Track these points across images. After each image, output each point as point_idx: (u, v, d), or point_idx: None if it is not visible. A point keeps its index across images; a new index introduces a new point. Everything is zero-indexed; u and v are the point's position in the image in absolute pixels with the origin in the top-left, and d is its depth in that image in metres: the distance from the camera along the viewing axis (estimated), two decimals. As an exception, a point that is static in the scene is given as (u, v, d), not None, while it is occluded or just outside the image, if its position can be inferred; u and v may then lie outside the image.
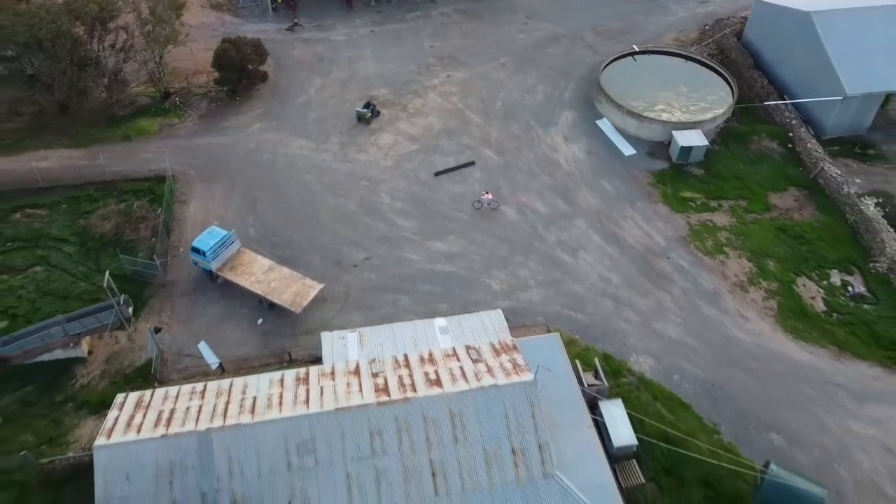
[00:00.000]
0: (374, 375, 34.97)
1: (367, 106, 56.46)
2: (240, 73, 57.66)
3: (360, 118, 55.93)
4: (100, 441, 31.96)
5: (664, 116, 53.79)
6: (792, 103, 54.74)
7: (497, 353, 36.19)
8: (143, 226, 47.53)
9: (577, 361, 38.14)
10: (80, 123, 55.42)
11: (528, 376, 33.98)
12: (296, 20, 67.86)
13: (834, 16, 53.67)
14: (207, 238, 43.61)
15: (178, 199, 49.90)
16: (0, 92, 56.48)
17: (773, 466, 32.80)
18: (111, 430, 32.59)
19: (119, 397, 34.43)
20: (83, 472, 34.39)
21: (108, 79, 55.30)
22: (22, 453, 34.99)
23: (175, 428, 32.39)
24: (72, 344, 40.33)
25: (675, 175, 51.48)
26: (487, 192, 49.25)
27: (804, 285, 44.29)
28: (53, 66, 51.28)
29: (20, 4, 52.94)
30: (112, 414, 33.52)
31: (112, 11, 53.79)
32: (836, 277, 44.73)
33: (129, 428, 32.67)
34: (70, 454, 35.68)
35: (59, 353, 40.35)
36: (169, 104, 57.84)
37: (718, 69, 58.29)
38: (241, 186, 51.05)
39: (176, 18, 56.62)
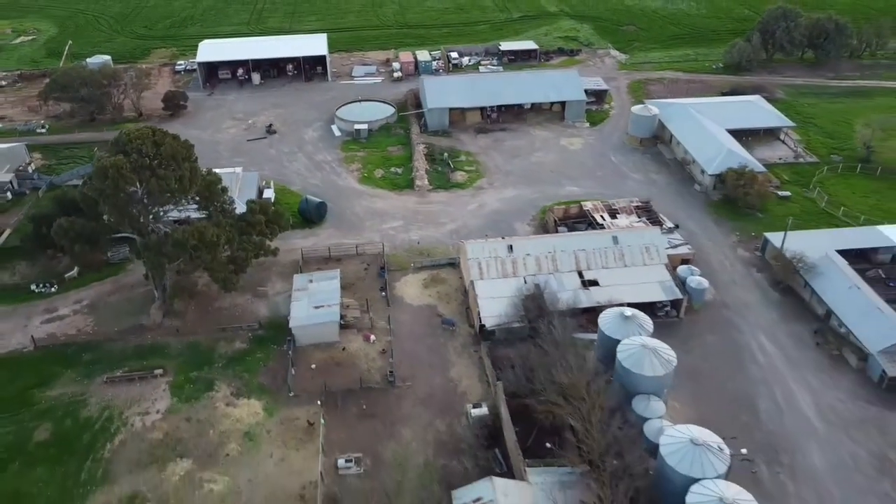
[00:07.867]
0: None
1: (269, 125, 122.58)
2: (175, 106, 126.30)
3: (268, 130, 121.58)
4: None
5: (354, 119, 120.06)
6: (414, 113, 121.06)
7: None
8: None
9: (270, 182, 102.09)
10: (99, 124, 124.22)
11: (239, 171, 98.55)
12: (212, 91, 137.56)
13: (433, 79, 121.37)
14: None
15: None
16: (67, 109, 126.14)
17: (307, 196, 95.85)
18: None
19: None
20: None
21: (114, 105, 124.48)
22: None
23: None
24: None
25: (352, 142, 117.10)
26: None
27: (378, 170, 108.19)
28: (92, 95, 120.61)
29: (79, 69, 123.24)
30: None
31: (118, 76, 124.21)
32: (393, 168, 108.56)
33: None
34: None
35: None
36: (141, 119, 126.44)
37: (390, 104, 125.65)
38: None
39: (147, 80, 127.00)
